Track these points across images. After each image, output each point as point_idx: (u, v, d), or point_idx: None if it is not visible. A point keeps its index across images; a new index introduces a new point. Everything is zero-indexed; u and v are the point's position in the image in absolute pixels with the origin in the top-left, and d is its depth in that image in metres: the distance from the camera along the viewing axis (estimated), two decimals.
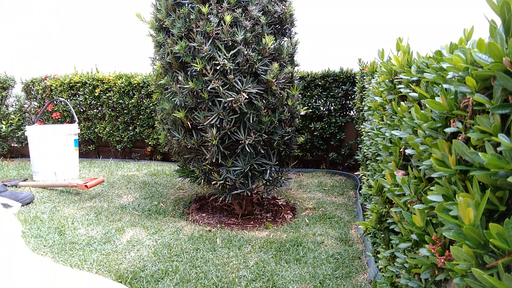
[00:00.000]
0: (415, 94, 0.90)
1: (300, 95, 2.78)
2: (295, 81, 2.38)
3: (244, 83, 2.03)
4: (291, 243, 2.01)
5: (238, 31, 2.01)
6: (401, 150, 0.98)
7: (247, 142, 2.08)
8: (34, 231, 2.10)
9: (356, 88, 3.18)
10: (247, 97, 2.04)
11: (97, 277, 1.62)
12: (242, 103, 2.02)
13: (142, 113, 4.34)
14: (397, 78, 1.17)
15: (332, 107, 3.95)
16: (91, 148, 4.71)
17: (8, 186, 3.05)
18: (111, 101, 4.37)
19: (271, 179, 2.32)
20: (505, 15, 0.54)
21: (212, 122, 2.05)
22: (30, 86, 4.75)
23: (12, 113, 4.70)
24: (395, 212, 0.96)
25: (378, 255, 1.29)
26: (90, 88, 4.40)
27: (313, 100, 3.94)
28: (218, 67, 2.00)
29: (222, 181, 2.17)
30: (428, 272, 0.71)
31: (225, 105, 2.04)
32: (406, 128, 0.86)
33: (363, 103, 2.34)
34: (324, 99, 3.92)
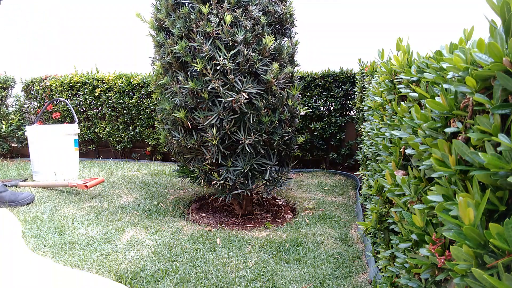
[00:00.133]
0: (415, 94, 0.90)
1: (300, 95, 2.78)
2: (295, 81, 2.38)
3: (244, 83, 2.03)
4: (291, 243, 2.01)
5: (238, 31, 2.01)
6: (401, 150, 0.98)
7: (247, 142, 2.08)
8: (34, 231, 2.10)
9: (356, 88, 3.18)
10: (247, 97, 2.04)
11: (97, 277, 1.62)
12: (242, 103, 2.02)
13: (142, 113, 4.34)
14: (397, 78, 1.17)
15: (332, 107, 3.95)
16: (91, 148, 4.71)
17: (8, 186, 3.05)
18: (111, 101, 4.37)
19: (271, 179, 2.33)
20: (505, 15, 0.54)
21: (212, 122, 2.05)
22: (30, 86, 4.75)
23: (12, 113, 4.70)
24: (395, 212, 0.96)
25: (378, 255, 1.29)
26: (90, 88, 4.40)
27: (313, 100, 3.94)
28: (218, 67, 2.00)
29: (222, 181, 2.17)
30: (428, 272, 0.71)
31: (225, 105, 2.04)
32: (406, 128, 0.86)
33: (363, 103, 2.34)
34: (324, 99, 3.92)
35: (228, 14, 1.99)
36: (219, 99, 2.04)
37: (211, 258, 1.83)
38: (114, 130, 4.48)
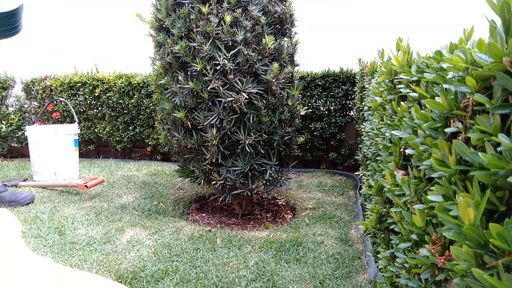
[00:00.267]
0: (415, 94, 0.90)
1: (300, 95, 2.78)
2: (295, 81, 2.38)
3: (244, 83, 2.03)
4: (291, 243, 2.01)
5: (238, 31, 2.01)
6: (401, 150, 0.98)
7: (247, 142, 2.08)
8: (34, 231, 2.10)
9: (356, 88, 3.18)
10: (247, 97, 2.04)
11: (97, 277, 1.62)
12: (242, 103, 2.02)
13: (142, 113, 4.34)
14: (397, 78, 1.17)
15: (332, 107, 3.95)
16: (91, 148, 4.71)
17: (8, 186, 3.05)
18: (111, 101, 4.37)
19: (271, 179, 2.32)
20: (505, 15, 0.54)
21: (212, 122, 2.05)
22: (30, 86, 4.75)
23: (12, 113, 4.70)
24: (395, 212, 0.96)
25: (378, 255, 1.29)
26: (90, 88, 4.40)
27: (313, 100, 3.94)
28: (218, 67, 2.00)
29: (222, 181, 2.17)
30: (428, 272, 0.71)
31: (225, 105, 2.04)
32: (406, 128, 0.86)
33: (363, 103, 2.34)
34: (324, 99, 3.92)
35: (228, 14, 1.99)
36: (219, 99, 2.04)
37: (211, 258, 1.83)
38: (114, 130, 4.48)
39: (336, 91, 3.84)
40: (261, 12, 2.11)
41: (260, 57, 2.07)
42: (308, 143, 4.01)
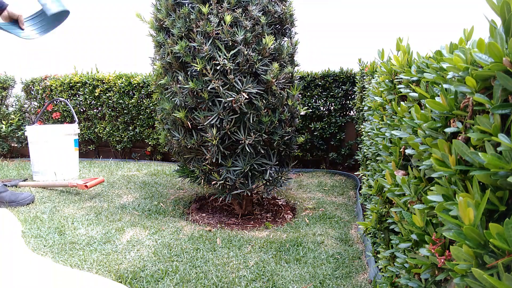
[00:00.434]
0: (415, 94, 0.90)
1: (300, 95, 2.78)
2: (295, 81, 2.38)
3: (244, 83, 2.03)
4: (291, 243, 2.01)
5: (238, 31, 2.01)
6: (401, 150, 0.98)
7: (247, 142, 2.08)
8: (34, 231, 2.10)
9: (356, 88, 3.18)
10: (247, 97, 2.04)
11: (97, 277, 1.62)
12: (242, 103, 2.02)
13: (142, 113, 4.34)
14: (397, 78, 1.17)
15: (332, 107, 3.95)
16: (91, 148, 4.71)
17: (8, 186, 3.05)
18: (111, 101, 4.37)
19: (271, 179, 2.32)
20: (505, 15, 0.54)
21: (212, 122, 2.05)
22: (30, 86, 4.75)
23: (12, 113, 4.70)
24: (395, 212, 0.96)
25: (378, 255, 1.29)
26: (90, 88, 4.40)
27: (313, 100, 3.94)
28: (218, 67, 2.00)
29: (222, 181, 2.17)
30: (428, 272, 0.71)
31: (225, 105, 2.04)
32: (406, 128, 0.86)
33: (363, 103, 2.34)
34: (324, 99, 3.92)
35: (228, 14, 1.99)
36: (219, 99, 2.04)
37: (211, 258, 1.83)
38: (114, 130, 4.48)
39: (336, 91, 3.84)
40: (261, 12, 2.11)
41: (260, 57, 2.07)
42: (308, 143, 4.01)
